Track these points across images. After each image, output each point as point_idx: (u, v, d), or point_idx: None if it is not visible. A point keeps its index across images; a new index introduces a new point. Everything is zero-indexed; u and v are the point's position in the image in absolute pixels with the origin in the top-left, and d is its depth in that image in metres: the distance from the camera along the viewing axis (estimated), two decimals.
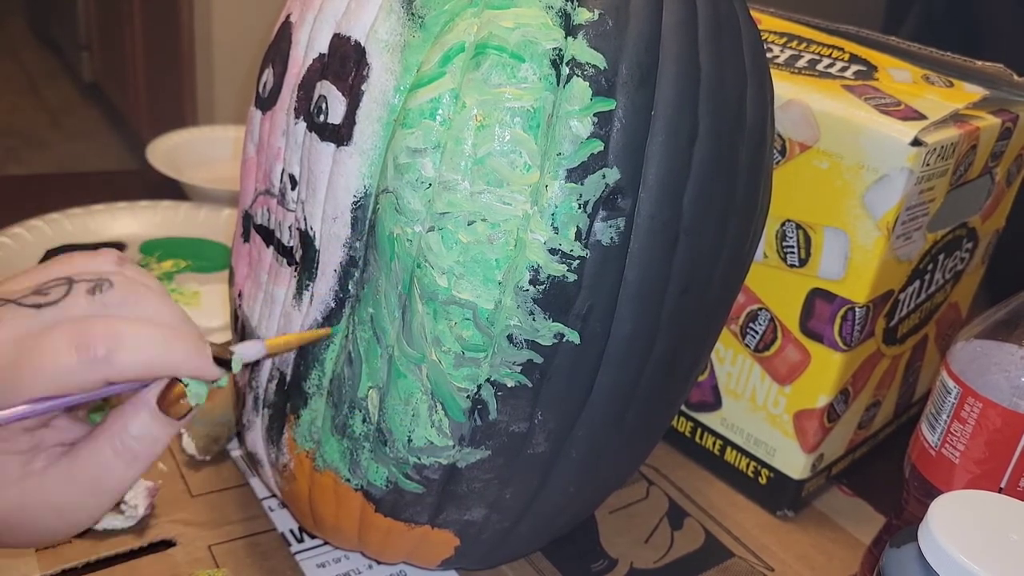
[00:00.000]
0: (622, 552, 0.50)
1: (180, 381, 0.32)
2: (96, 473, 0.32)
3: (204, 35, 1.76)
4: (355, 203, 0.36)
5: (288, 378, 0.40)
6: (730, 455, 0.55)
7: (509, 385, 0.35)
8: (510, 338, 0.34)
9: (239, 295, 0.44)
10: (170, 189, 0.84)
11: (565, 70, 0.33)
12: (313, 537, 0.48)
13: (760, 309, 0.52)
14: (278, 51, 0.40)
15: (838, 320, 0.48)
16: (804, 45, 0.53)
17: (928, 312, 0.56)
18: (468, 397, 0.36)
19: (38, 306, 0.31)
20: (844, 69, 0.51)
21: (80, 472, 0.32)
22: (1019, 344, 0.43)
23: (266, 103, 0.40)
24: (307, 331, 0.38)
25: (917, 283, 0.52)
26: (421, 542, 0.41)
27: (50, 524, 0.33)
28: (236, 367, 0.33)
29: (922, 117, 0.45)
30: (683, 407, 0.57)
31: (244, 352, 0.34)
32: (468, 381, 0.35)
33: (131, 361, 0.30)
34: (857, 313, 0.48)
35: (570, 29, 0.33)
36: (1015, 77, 0.50)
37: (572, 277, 0.34)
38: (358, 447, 0.38)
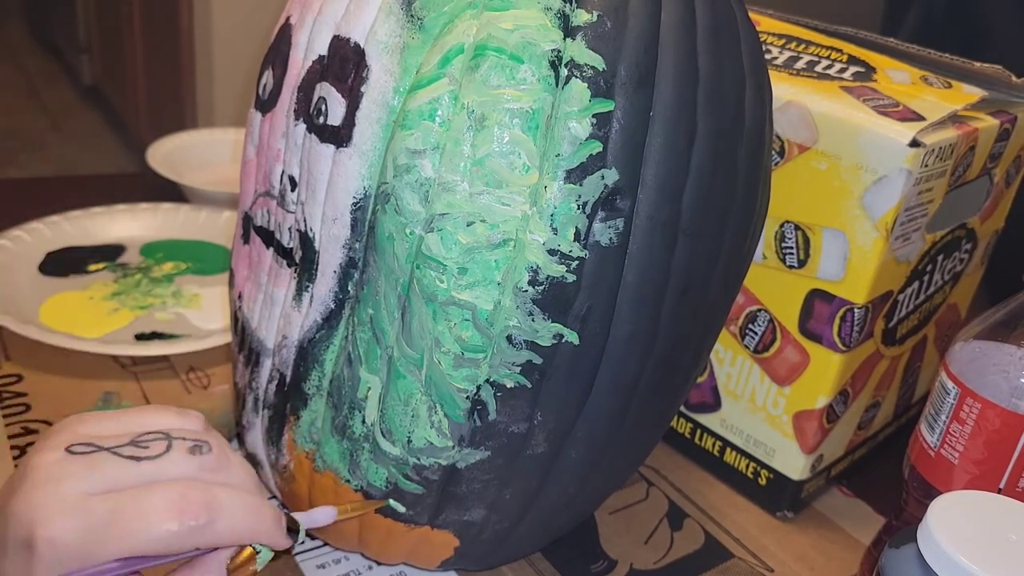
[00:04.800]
0: (622, 553, 0.50)
1: (252, 546, 0.33)
2: None
3: (204, 38, 1.76)
4: (355, 204, 0.36)
5: (288, 379, 0.40)
6: (729, 456, 0.55)
7: (508, 386, 0.35)
8: (509, 339, 0.34)
9: (239, 297, 0.44)
10: (170, 192, 0.84)
11: (564, 71, 0.33)
12: (313, 538, 0.48)
13: (759, 310, 0.52)
14: (278, 53, 0.40)
15: (837, 321, 0.48)
16: (803, 46, 0.53)
17: (927, 313, 0.56)
18: (467, 398, 0.36)
19: (137, 459, 0.30)
20: (843, 70, 0.51)
21: None
22: (1018, 345, 0.43)
23: (266, 105, 0.41)
24: (370, 502, 0.39)
25: (916, 284, 0.52)
26: (421, 543, 0.41)
27: None
28: (302, 536, 0.34)
29: (920, 118, 0.46)
30: (682, 408, 0.58)
31: (314, 519, 0.36)
32: (467, 382, 0.35)
33: (227, 530, 0.30)
34: (856, 314, 0.48)
35: (569, 30, 0.33)
36: (1013, 79, 0.50)
37: (571, 278, 0.34)
38: (358, 448, 0.38)
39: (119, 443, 0.31)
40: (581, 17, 0.33)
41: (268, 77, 0.41)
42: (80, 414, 0.33)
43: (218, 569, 0.32)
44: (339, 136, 0.36)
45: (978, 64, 0.51)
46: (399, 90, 0.35)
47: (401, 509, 0.39)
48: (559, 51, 0.33)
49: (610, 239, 0.34)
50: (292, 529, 0.34)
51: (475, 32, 0.33)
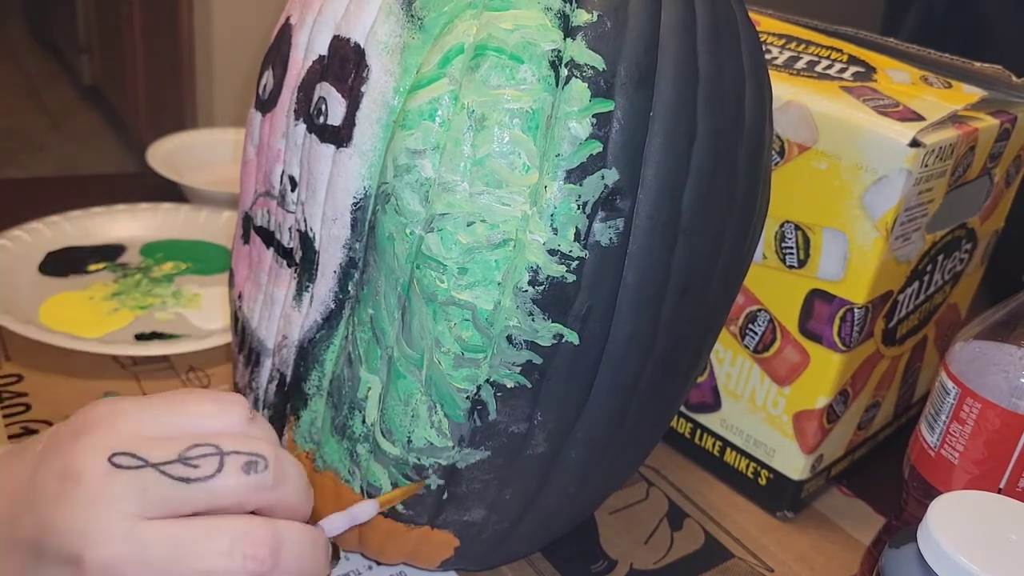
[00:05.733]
0: (622, 553, 0.50)
1: None
2: None
3: (204, 38, 1.76)
4: (355, 204, 0.36)
5: (288, 379, 0.40)
6: (729, 456, 0.55)
7: (508, 386, 0.35)
8: (509, 339, 0.34)
9: (239, 297, 0.44)
10: (170, 192, 0.84)
11: (564, 71, 0.33)
12: None
13: (759, 310, 0.52)
14: (278, 53, 0.40)
15: (837, 321, 0.48)
16: (803, 46, 0.53)
17: (927, 313, 0.56)
18: (467, 398, 0.36)
19: (187, 480, 0.28)
20: (843, 70, 0.51)
21: None
22: (1018, 345, 0.43)
23: (266, 105, 0.41)
24: (410, 485, 0.37)
25: (916, 284, 0.52)
26: (421, 543, 0.41)
27: None
28: (341, 559, 0.33)
29: (920, 118, 0.46)
30: (683, 408, 0.58)
31: (356, 516, 0.34)
32: (467, 382, 0.35)
33: (287, 573, 0.29)
34: (856, 314, 0.48)
35: (569, 30, 0.33)
36: (1013, 79, 0.50)
37: (571, 278, 0.34)
38: (358, 448, 0.38)
39: (166, 458, 0.29)
40: (581, 17, 0.33)
41: (268, 77, 0.41)
42: (115, 402, 0.31)
43: None
44: (339, 136, 0.36)
45: (978, 64, 0.51)
46: (399, 90, 0.35)
47: (401, 508, 0.39)
48: (559, 51, 0.33)
49: (610, 239, 0.34)
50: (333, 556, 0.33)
51: (475, 32, 0.33)
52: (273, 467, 0.30)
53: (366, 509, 0.34)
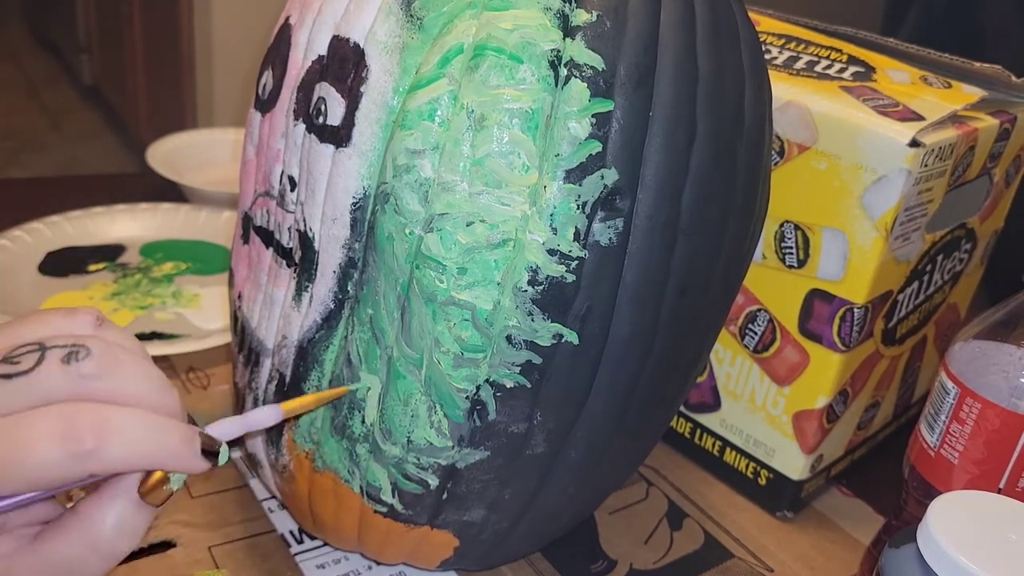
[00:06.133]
0: (621, 553, 0.50)
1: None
2: (68, 568, 0.29)
3: (204, 37, 1.76)
4: (354, 204, 0.36)
5: (287, 379, 0.40)
6: (729, 456, 0.55)
7: (508, 386, 0.35)
8: (509, 339, 0.34)
9: (239, 297, 0.44)
10: (170, 192, 0.84)
11: (563, 71, 0.33)
12: (313, 538, 0.48)
13: (759, 310, 0.52)
14: (277, 53, 0.40)
15: (837, 321, 0.48)
16: (802, 46, 0.53)
17: (927, 313, 0.56)
18: (467, 398, 0.36)
19: (7, 376, 0.27)
20: (842, 70, 0.51)
21: (50, 566, 0.29)
22: (1017, 345, 0.43)
23: (265, 105, 0.41)
24: (324, 391, 0.36)
25: (916, 284, 0.52)
26: (420, 543, 0.41)
27: None
28: (223, 459, 0.31)
29: (920, 118, 0.46)
30: (682, 408, 0.58)
31: (251, 422, 0.32)
32: (467, 382, 0.35)
33: (122, 455, 0.27)
34: (856, 314, 0.48)
35: (568, 30, 0.33)
36: (1013, 79, 0.50)
37: (571, 278, 0.34)
38: (357, 448, 0.38)
39: None
40: (581, 17, 0.33)
41: (268, 77, 0.41)
42: None
43: (127, 493, 0.29)
44: (338, 136, 0.36)
45: (978, 64, 0.51)
46: (399, 90, 0.35)
47: (400, 508, 0.39)
48: (558, 51, 0.33)
49: (610, 239, 0.34)
50: (211, 451, 0.30)
51: (475, 32, 0.33)
52: (98, 356, 0.28)
53: (265, 414, 0.32)
